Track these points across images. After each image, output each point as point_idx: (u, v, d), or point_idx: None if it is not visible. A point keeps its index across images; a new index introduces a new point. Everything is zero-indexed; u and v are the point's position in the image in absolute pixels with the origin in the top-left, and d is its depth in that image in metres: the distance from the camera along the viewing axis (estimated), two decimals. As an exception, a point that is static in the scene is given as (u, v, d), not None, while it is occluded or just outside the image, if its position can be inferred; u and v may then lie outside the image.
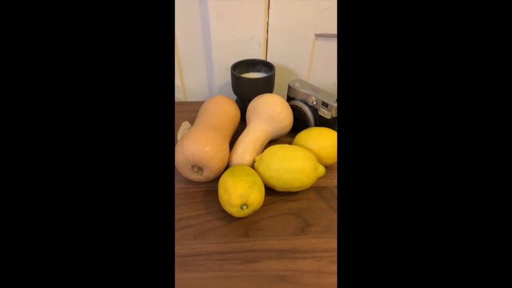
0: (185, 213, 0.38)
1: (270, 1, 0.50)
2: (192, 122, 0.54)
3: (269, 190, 0.40)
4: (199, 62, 0.57)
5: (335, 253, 0.34)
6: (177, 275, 0.32)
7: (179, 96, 0.62)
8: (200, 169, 0.38)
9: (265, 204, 0.39)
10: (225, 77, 0.59)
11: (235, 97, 0.55)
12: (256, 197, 0.34)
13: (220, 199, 0.36)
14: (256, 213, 0.38)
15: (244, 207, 0.34)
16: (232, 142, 0.44)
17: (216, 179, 0.40)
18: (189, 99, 0.63)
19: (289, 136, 0.49)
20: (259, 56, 0.56)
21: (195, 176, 0.39)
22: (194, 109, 0.58)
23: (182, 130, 0.44)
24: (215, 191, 0.40)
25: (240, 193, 0.34)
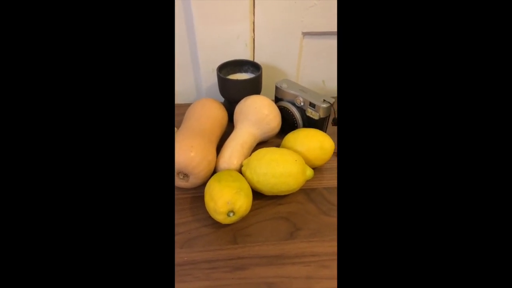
0: (172, 221, 0.37)
1: (255, 0, 0.49)
2: (179, 125, 0.53)
3: (257, 194, 0.39)
4: (185, 63, 0.56)
5: (324, 258, 0.33)
6: (164, 286, 0.31)
7: (166, 98, 0.61)
8: (185, 175, 0.38)
9: (253, 209, 0.38)
10: (213, 79, 0.58)
11: (223, 98, 0.54)
12: (243, 203, 0.34)
13: (206, 207, 0.35)
14: (244, 218, 0.37)
15: (231, 214, 0.33)
16: (220, 145, 0.43)
17: (203, 185, 0.39)
18: (177, 102, 0.62)
19: (277, 137, 0.49)
20: (247, 56, 0.55)
21: (181, 183, 0.38)
22: (181, 112, 0.57)
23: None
24: (202, 197, 0.40)
25: (226, 200, 0.33)
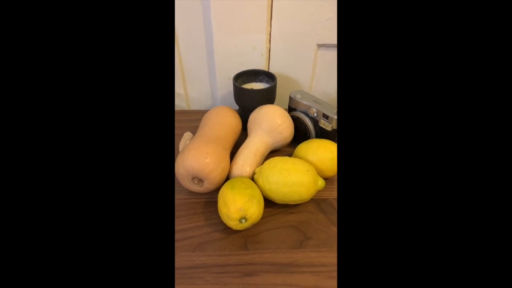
0: (185, 225, 0.38)
1: (273, 12, 0.50)
2: (194, 131, 0.55)
3: (269, 202, 0.40)
4: (202, 71, 0.58)
5: (333, 268, 0.34)
6: (175, 287, 0.32)
7: (182, 104, 0.63)
8: (200, 180, 0.39)
9: (264, 216, 0.39)
10: (228, 87, 0.59)
11: (237, 106, 0.55)
12: (255, 210, 0.35)
13: (219, 212, 0.37)
14: (255, 225, 0.38)
15: (243, 221, 0.34)
16: (233, 152, 0.45)
17: (217, 190, 0.41)
18: (192, 108, 0.64)
19: (290, 147, 0.49)
20: (262, 66, 0.57)
21: (196, 188, 0.40)
22: (196, 118, 0.59)
23: (184, 141, 0.44)
24: (215, 203, 0.41)
25: (239, 207, 0.34)
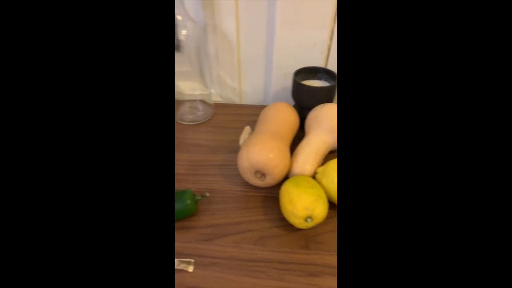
0: (245, 217, 0.39)
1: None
2: (246, 124, 0.55)
3: (330, 204, 0.39)
4: (258, 67, 0.58)
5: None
6: (239, 278, 0.32)
7: (235, 98, 0.64)
8: (263, 175, 0.39)
9: (326, 217, 0.38)
10: (282, 83, 0.59)
11: (291, 102, 0.54)
12: (321, 210, 0.34)
13: (283, 209, 0.36)
14: (316, 225, 0.37)
15: (309, 220, 0.34)
16: (291, 150, 0.44)
17: (276, 186, 0.40)
18: (243, 102, 0.64)
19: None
20: (319, 63, 0.56)
21: (257, 181, 0.40)
22: (250, 112, 0.59)
23: (245, 134, 0.45)
24: (274, 198, 0.41)
25: (305, 205, 0.34)
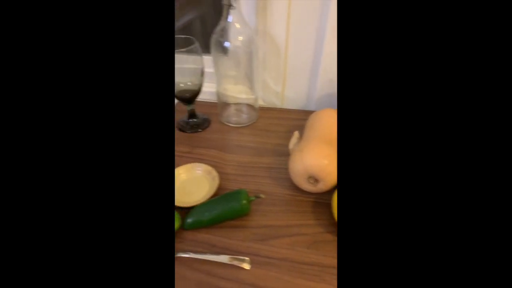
0: (296, 220, 0.39)
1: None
2: (291, 129, 0.56)
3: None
4: (304, 72, 0.59)
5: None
6: (294, 279, 0.33)
7: (276, 102, 0.65)
8: (316, 180, 0.39)
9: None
10: (327, 89, 0.59)
11: (335, 108, 0.55)
12: (378, 219, 0.34)
13: (335, 215, 0.37)
14: (368, 233, 0.37)
15: (365, 228, 0.34)
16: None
17: (327, 192, 0.41)
18: (284, 106, 0.65)
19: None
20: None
21: (308, 187, 0.41)
22: (292, 116, 0.60)
23: (294, 139, 0.45)
24: (325, 204, 0.41)
25: (362, 213, 0.34)
